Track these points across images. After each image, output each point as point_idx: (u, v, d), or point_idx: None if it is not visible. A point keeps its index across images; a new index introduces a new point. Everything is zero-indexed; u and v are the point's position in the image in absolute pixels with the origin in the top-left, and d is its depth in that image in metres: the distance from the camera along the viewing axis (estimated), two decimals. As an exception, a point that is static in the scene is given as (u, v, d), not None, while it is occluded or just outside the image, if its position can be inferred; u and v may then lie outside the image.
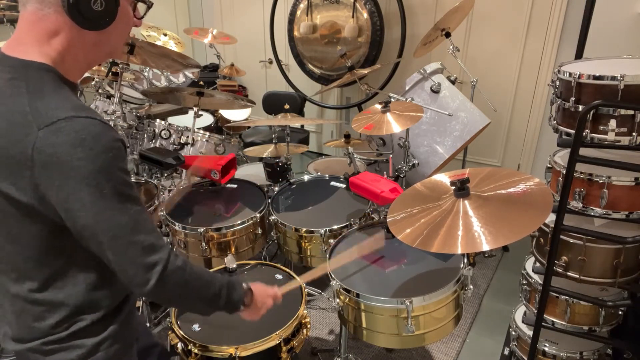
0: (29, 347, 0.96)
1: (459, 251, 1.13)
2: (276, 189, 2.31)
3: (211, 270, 1.71)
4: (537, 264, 1.76)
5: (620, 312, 1.72)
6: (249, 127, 3.92)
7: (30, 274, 0.92)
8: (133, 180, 1.33)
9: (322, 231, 1.84)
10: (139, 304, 2.33)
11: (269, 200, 2.12)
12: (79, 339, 0.97)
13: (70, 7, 0.83)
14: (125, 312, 1.05)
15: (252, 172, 2.86)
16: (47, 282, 0.93)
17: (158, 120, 2.62)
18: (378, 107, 2.18)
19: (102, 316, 0.99)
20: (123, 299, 1.05)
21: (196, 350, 1.34)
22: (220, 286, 1.05)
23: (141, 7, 1.00)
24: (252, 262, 1.75)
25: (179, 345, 1.39)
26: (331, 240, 1.73)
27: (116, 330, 1.01)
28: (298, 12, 3.76)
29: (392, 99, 2.42)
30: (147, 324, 2.34)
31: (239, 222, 1.93)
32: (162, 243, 0.93)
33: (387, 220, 1.34)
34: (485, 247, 1.10)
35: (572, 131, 1.44)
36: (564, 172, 1.48)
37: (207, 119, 3.50)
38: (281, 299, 1.28)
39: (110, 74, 2.96)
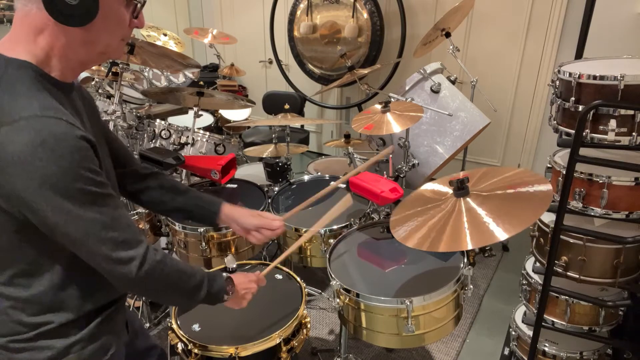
0: (0, 344, 0.95)
1: (470, 247, 1.12)
2: (276, 189, 2.31)
3: (211, 270, 1.71)
4: (537, 264, 1.76)
5: (620, 312, 1.72)
6: (249, 127, 3.92)
7: None
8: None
9: (322, 231, 1.84)
10: (139, 304, 2.33)
11: (269, 200, 2.11)
12: (48, 340, 0.96)
13: (46, 2, 0.82)
14: (104, 317, 1.03)
15: (252, 172, 2.86)
16: (12, 278, 0.92)
17: (158, 120, 2.62)
18: (378, 107, 2.18)
19: (74, 318, 0.97)
20: (104, 304, 1.04)
21: (196, 350, 1.34)
22: (200, 278, 1.06)
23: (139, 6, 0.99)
24: (252, 262, 1.75)
25: (179, 345, 1.39)
26: (331, 240, 1.73)
27: (91, 333, 1.00)
28: (298, 12, 3.76)
29: (392, 99, 2.42)
30: (147, 325, 2.34)
31: (239, 222, 1.93)
32: (138, 238, 0.93)
33: (394, 233, 1.33)
34: (502, 237, 1.10)
35: (572, 131, 1.44)
36: (564, 172, 1.48)
37: (207, 119, 3.50)
38: (265, 282, 1.29)
39: (110, 74, 2.96)
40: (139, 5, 0.96)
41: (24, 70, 0.85)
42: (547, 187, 1.19)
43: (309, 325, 1.50)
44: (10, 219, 0.86)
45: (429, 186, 1.46)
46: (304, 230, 1.88)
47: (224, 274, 1.15)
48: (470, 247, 1.13)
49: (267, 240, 1.38)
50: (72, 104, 0.94)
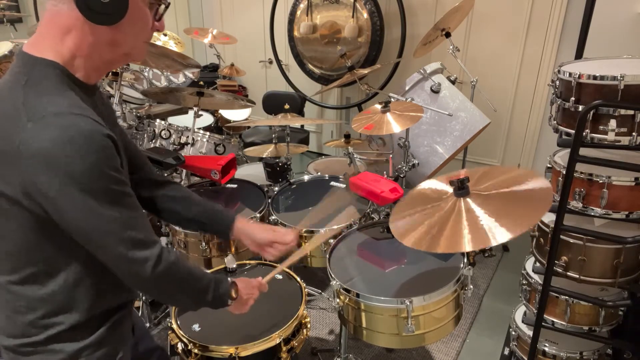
0: (10, 346, 0.95)
1: (468, 249, 1.11)
2: (276, 189, 2.31)
3: (211, 270, 1.71)
4: (537, 264, 1.76)
5: (620, 312, 1.72)
6: (249, 127, 3.92)
7: (12, 268, 0.92)
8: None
9: (322, 231, 1.84)
10: (139, 304, 2.33)
11: (269, 200, 2.11)
12: (58, 343, 0.96)
13: (79, 0, 0.83)
14: (113, 320, 1.03)
15: (252, 172, 2.86)
16: (28, 277, 0.92)
17: (158, 120, 2.62)
18: (378, 107, 2.18)
19: (84, 321, 0.97)
20: (114, 307, 1.04)
21: (196, 350, 1.34)
22: (208, 281, 1.07)
23: (161, 9, 0.99)
24: (252, 262, 1.75)
25: (179, 345, 1.39)
26: (331, 240, 1.73)
27: (101, 338, 1.00)
28: (298, 12, 3.76)
29: (392, 99, 2.42)
30: (147, 325, 2.34)
31: (239, 222, 1.93)
32: (153, 239, 0.93)
33: (391, 228, 1.32)
34: (501, 240, 1.08)
35: (572, 131, 1.44)
36: (564, 172, 1.48)
37: (207, 119, 3.50)
38: (267, 287, 1.29)
39: (110, 74, 2.96)
40: (161, 7, 0.97)
41: (50, 69, 0.86)
42: (546, 184, 1.19)
43: (309, 325, 1.50)
44: (30, 217, 0.86)
45: (428, 184, 1.46)
46: (303, 230, 1.88)
47: (229, 279, 1.15)
48: (468, 249, 1.11)
49: (281, 255, 1.37)
50: (94, 105, 0.94)
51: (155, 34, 3.69)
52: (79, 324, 0.97)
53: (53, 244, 0.90)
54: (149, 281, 0.92)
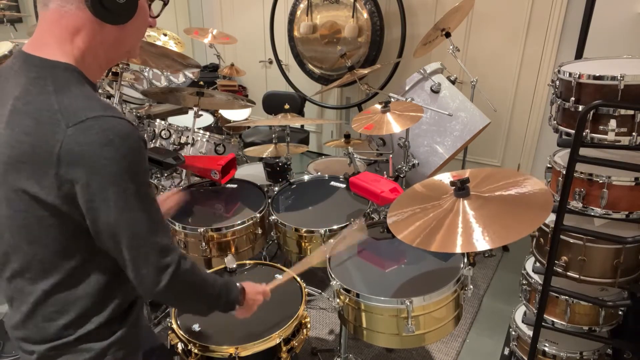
0: (40, 351, 0.95)
1: (458, 250, 1.13)
2: (276, 189, 2.31)
3: (211, 270, 1.71)
4: (537, 264, 1.76)
5: (620, 312, 1.72)
6: (249, 127, 3.92)
7: (45, 274, 0.92)
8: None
9: (322, 231, 1.84)
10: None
11: (269, 200, 2.11)
12: (87, 343, 0.96)
13: (94, 0, 0.83)
14: (134, 316, 1.04)
15: (252, 172, 2.86)
16: (61, 282, 0.92)
17: (158, 120, 2.62)
18: (378, 107, 2.18)
19: (110, 319, 0.98)
20: (131, 303, 1.04)
21: (196, 350, 1.34)
22: (220, 287, 1.07)
23: (154, 6, 0.99)
24: (252, 262, 1.75)
25: (179, 345, 1.39)
26: (331, 240, 1.73)
27: (124, 334, 1.01)
28: (298, 12, 3.76)
29: (392, 99, 2.42)
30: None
31: (239, 222, 1.93)
32: (174, 245, 0.94)
33: (387, 220, 1.34)
34: (483, 247, 1.10)
35: (572, 131, 1.44)
36: (564, 172, 1.48)
37: (207, 119, 3.50)
38: (270, 295, 1.30)
39: (110, 74, 2.96)
40: (153, 5, 0.98)
41: (69, 72, 0.86)
42: (548, 196, 1.19)
43: (309, 325, 1.50)
44: (66, 224, 0.87)
45: (428, 182, 1.46)
46: (303, 230, 1.88)
47: (238, 285, 1.16)
48: (459, 250, 1.13)
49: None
50: None
51: (155, 34, 3.70)
52: (107, 322, 0.98)
53: (86, 249, 0.91)
54: (164, 288, 0.92)
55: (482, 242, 1.11)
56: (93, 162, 0.80)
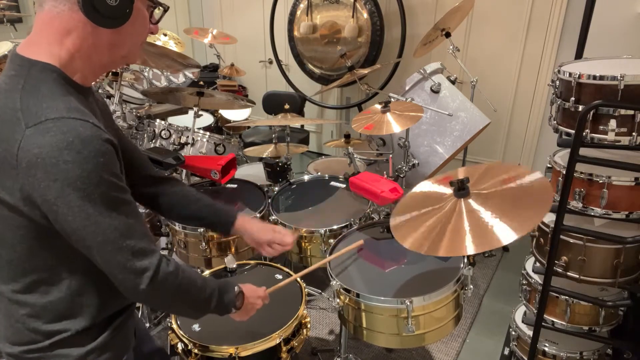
0: (14, 353, 0.94)
1: (471, 252, 1.08)
2: (276, 189, 2.31)
3: (211, 270, 1.71)
4: (537, 264, 1.76)
5: (620, 312, 1.72)
6: (249, 127, 3.92)
7: (15, 276, 0.90)
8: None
9: (322, 231, 1.84)
10: (139, 304, 2.33)
11: (269, 200, 2.11)
12: (63, 348, 0.95)
13: (85, 2, 0.82)
14: (117, 324, 1.03)
15: (252, 172, 2.86)
16: (31, 286, 0.91)
17: (158, 120, 2.62)
18: (378, 107, 2.18)
19: (89, 326, 0.96)
20: (117, 311, 1.03)
21: (196, 351, 1.34)
22: (211, 291, 1.05)
23: (157, 12, 0.99)
24: (252, 262, 1.75)
25: (179, 346, 1.39)
26: (331, 240, 1.73)
27: (106, 341, 0.99)
28: (298, 12, 3.76)
29: (392, 99, 2.42)
30: (147, 325, 2.34)
31: (239, 222, 1.93)
32: (152, 248, 0.91)
33: (392, 228, 1.32)
34: (509, 239, 1.05)
35: (572, 131, 1.44)
36: (564, 172, 1.48)
37: (207, 119, 3.50)
38: (269, 299, 1.30)
39: (110, 74, 2.96)
40: (157, 10, 0.97)
41: (47, 72, 0.84)
42: (542, 178, 1.18)
43: (309, 325, 1.50)
44: (31, 225, 0.85)
45: (427, 186, 1.46)
46: (303, 230, 1.88)
47: (236, 288, 1.14)
48: (471, 252, 1.08)
49: (277, 254, 1.41)
50: (90, 107, 0.93)
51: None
52: (84, 330, 0.96)
53: (55, 251, 0.89)
54: (145, 292, 0.90)
55: (507, 234, 1.06)
56: (52, 166, 0.77)
